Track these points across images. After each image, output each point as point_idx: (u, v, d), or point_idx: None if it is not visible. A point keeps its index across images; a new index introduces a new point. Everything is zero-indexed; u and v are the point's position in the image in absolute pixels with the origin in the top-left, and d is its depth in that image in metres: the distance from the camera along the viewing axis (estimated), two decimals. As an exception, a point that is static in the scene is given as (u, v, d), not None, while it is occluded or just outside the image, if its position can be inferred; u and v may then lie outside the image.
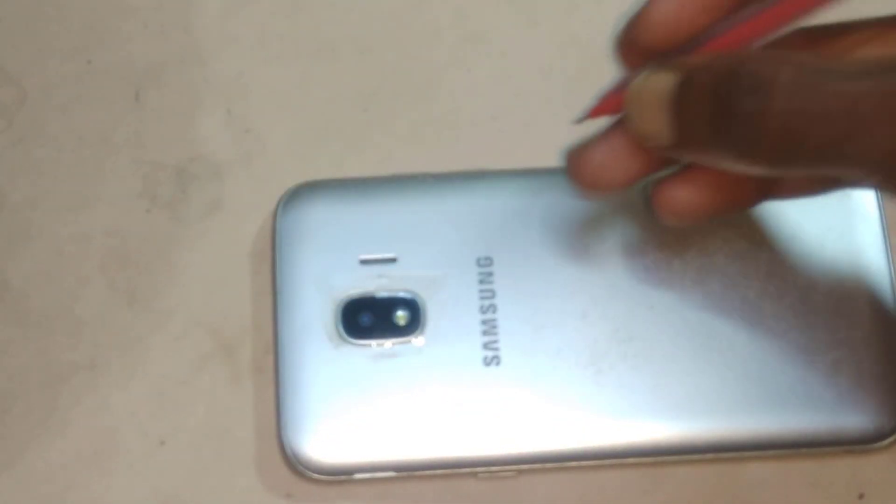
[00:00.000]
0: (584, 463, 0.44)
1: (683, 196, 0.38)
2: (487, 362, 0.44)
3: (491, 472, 0.44)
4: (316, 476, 0.43)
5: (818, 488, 0.45)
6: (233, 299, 0.46)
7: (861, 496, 0.45)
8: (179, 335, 0.46)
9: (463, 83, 0.49)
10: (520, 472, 0.44)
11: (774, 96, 0.31)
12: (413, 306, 0.45)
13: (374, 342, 0.44)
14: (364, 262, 0.45)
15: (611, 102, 0.37)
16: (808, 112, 0.31)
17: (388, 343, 0.44)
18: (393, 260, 0.45)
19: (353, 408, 0.44)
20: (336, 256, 0.45)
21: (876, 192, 0.46)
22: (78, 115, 0.49)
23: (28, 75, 0.49)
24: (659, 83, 0.35)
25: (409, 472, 0.43)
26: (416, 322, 0.45)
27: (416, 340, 0.45)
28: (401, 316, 0.45)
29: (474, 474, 0.44)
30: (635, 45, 0.36)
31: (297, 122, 0.49)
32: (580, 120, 0.38)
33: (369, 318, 0.45)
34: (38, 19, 0.50)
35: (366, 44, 0.50)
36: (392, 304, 0.45)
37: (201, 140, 0.48)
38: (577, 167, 0.38)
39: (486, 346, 0.44)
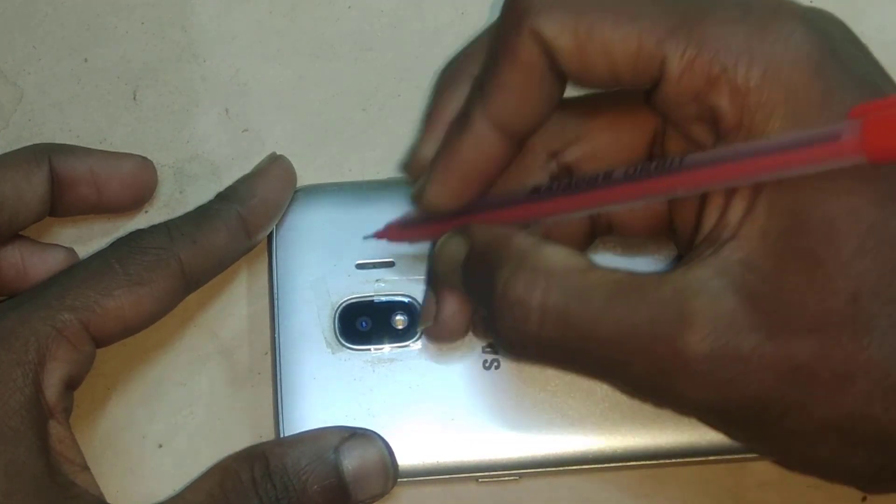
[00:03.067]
0: (585, 467, 0.43)
1: None
2: (487, 366, 0.44)
3: (491, 476, 0.44)
4: (314, 482, 0.43)
5: (820, 490, 0.44)
6: (230, 301, 0.46)
7: (864, 498, 0.45)
8: (177, 337, 0.46)
9: (463, 82, 0.49)
10: (521, 476, 0.44)
11: (527, 328, 0.37)
12: (411, 310, 0.45)
13: (372, 347, 0.44)
14: (361, 266, 0.45)
15: (393, 232, 0.44)
16: (547, 345, 0.38)
17: (387, 347, 0.44)
18: (390, 264, 0.45)
19: (352, 413, 0.43)
20: (333, 261, 0.45)
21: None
22: (75, 115, 0.48)
23: (24, 74, 0.49)
24: (454, 249, 0.41)
25: (409, 477, 0.43)
26: (414, 326, 0.44)
27: (415, 345, 0.44)
28: (399, 320, 0.45)
29: (475, 479, 0.44)
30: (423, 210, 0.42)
31: (295, 122, 0.48)
32: (367, 237, 0.44)
33: (367, 322, 0.44)
34: (34, 17, 0.49)
35: (365, 42, 0.49)
36: (390, 308, 0.45)
37: (199, 139, 0.48)
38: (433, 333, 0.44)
39: (485, 349, 0.44)
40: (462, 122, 0.40)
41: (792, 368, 0.35)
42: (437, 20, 0.49)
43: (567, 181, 0.40)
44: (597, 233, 0.44)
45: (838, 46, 0.36)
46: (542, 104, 0.39)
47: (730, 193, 0.37)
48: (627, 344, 0.36)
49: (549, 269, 0.38)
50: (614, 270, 0.37)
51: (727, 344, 0.35)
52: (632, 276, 0.37)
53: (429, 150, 0.41)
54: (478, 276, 0.40)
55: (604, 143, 0.42)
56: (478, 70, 0.40)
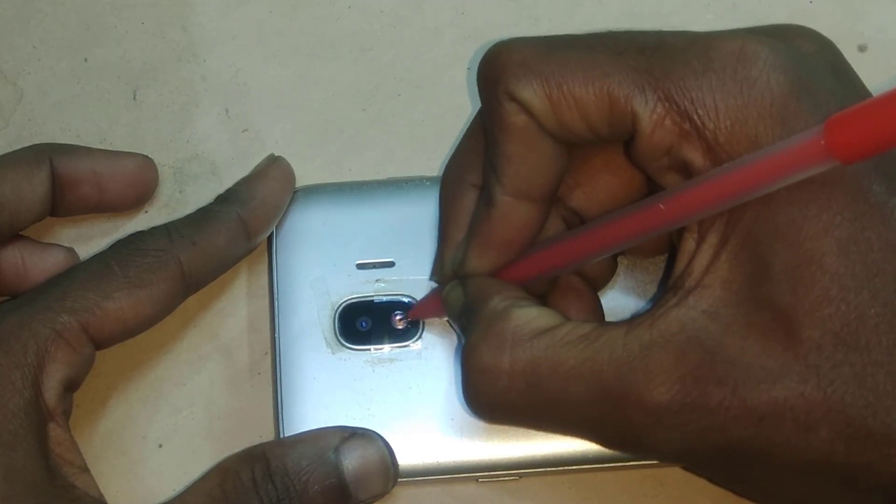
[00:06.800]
0: (585, 467, 0.43)
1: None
2: (487, 366, 0.44)
3: (491, 476, 0.43)
4: (314, 482, 0.43)
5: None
6: (230, 301, 0.46)
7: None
8: (177, 337, 0.46)
9: (463, 82, 0.49)
10: (521, 476, 0.44)
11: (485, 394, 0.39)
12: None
13: (371, 347, 0.44)
14: (361, 266, 0.45)
15: (426, 307, 0.44)
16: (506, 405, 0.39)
17: (387, 348, 0.44)
18: (390, 264, 0.45)
19: (352, 413, 0.43)
20: (333, 260, 0.45)
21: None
22: (75, 114, 0.48)
23: (24, 74, 0.49)
24: (455, 296, 0.42)
25: (409, 477, 0.43)
26: (414, 326, 0.44)
27: (415, 345, 0.44)
28: (399, 320, 0.44)
29: (475, 479, 0.44)
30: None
31: (295, 121, 0.48)
32: (407, 318, 0.45)
33: (367, 322, 0.44)
34: (34, 17, 0.49)
35: (365, 42, 0.49)
36: (390, 308, 0.45)
37: (199, 139, 0.48)
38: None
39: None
40: (486, 201, 0.40)
41: (756, 419, 0.36)
42: (437, 20, 0.49)
43: (554, 237, 0.41)
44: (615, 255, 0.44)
45: (809, 78, 0.36)
46: (552, 163, 0.39)
47: (699, 240, 0.37)
48: (598, 404, 0.37)
49: (516, 333, 0.38)
50: (582, 324, 0.38)
51: (695, 400, 0.36)
52: (599, 329, 0.38)
53: (453, 257, 0.42)
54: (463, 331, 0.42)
55: (602, 185, 0.42)
56: (476, 162, 0.42)
